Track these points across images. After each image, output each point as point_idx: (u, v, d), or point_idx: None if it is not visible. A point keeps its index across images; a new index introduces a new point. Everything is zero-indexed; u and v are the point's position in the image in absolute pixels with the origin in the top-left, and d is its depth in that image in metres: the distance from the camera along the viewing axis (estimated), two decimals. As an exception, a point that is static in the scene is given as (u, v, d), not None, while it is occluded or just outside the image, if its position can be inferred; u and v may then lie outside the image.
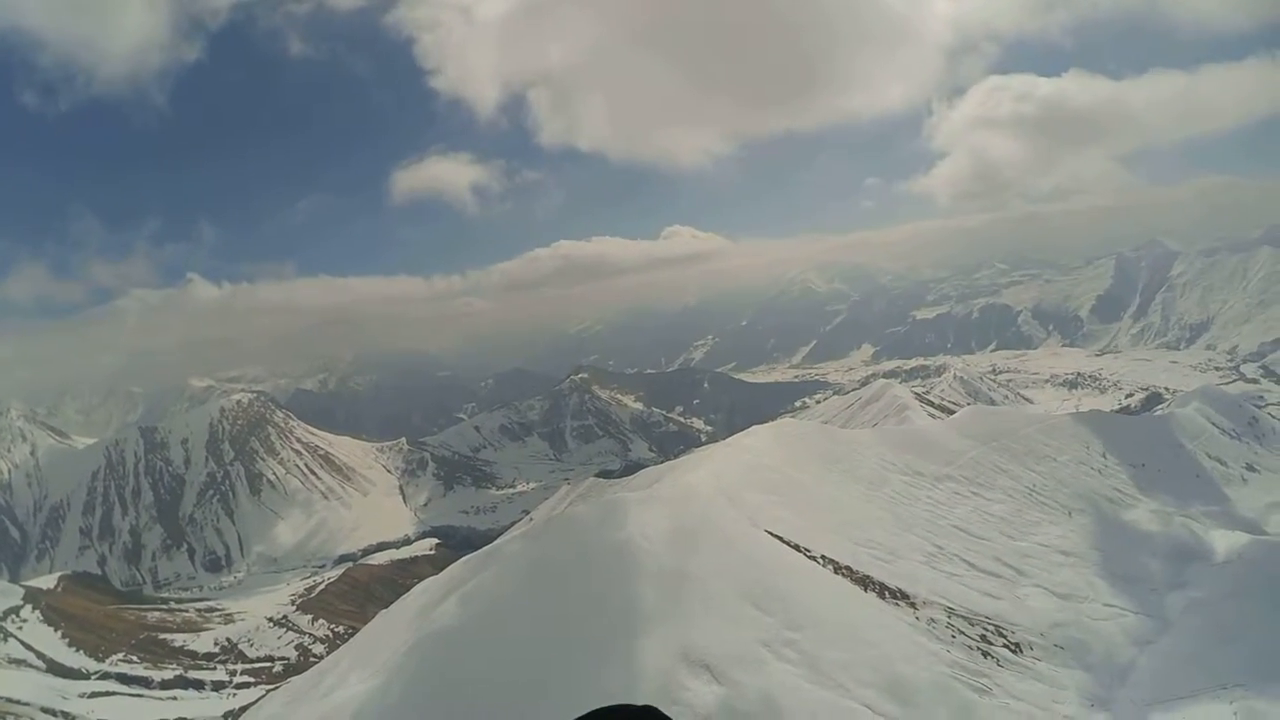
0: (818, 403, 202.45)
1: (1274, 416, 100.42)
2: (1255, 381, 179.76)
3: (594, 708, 3.47)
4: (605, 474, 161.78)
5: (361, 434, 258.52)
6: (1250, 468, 78.93)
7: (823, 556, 38.78)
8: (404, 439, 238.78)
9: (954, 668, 33.29)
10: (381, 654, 30.17)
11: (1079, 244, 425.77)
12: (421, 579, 41.78)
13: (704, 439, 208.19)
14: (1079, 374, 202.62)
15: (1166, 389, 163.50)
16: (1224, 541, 55.68)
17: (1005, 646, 37.28)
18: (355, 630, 43.56)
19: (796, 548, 38.45)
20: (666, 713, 3.23)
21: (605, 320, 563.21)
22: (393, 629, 33.92)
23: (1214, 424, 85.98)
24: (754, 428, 62.56)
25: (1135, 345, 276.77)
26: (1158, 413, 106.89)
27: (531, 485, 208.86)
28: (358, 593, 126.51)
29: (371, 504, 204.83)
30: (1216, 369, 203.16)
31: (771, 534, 38.61)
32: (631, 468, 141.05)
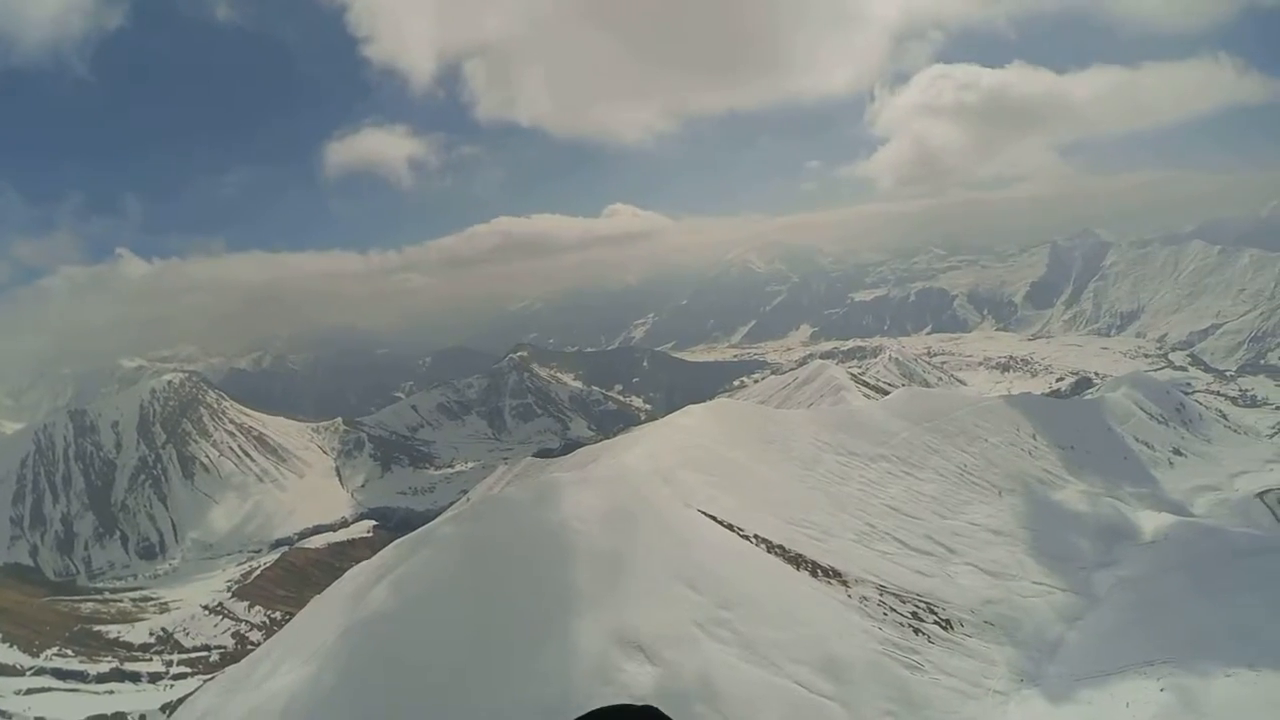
0: (756, 382, 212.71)
1: (1201, 403, 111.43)
2: (1183, 369, 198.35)
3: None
4: (544, 453, 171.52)
5: (298, 414, 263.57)
6: (1177, 452, 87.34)
7: (756, 536, 41.01)
8: (340, 419, 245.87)
9: (886, 645, 36.16)
10: (314, 642, 30.91)
11: (1015, 232, 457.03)
12: (359, 562, 42.56)
13: (643, 418, 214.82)
14: (1012, 358, 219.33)
15: (1096, 374, 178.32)
16: (1151, 522, 62.09)
17: (936, 623, 40.66)
18: (292, 617, 43.80)
19: (730, 527, 40.48)
20: (621, 700, 3.69)
21: (546, 298, 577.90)
22: (325, 615, 34.66)
23: (1142, 409, 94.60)
24: (689, 407, 64.89)
25: (1067, 331, 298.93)
26: (1088, 397, 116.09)
27: (470, 465, 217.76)
28: (294, 578, 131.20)
29: (308, 486, 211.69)
30: (1146, 356, 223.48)
31: (705, 514, 40.51)
32: (570, 446, 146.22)
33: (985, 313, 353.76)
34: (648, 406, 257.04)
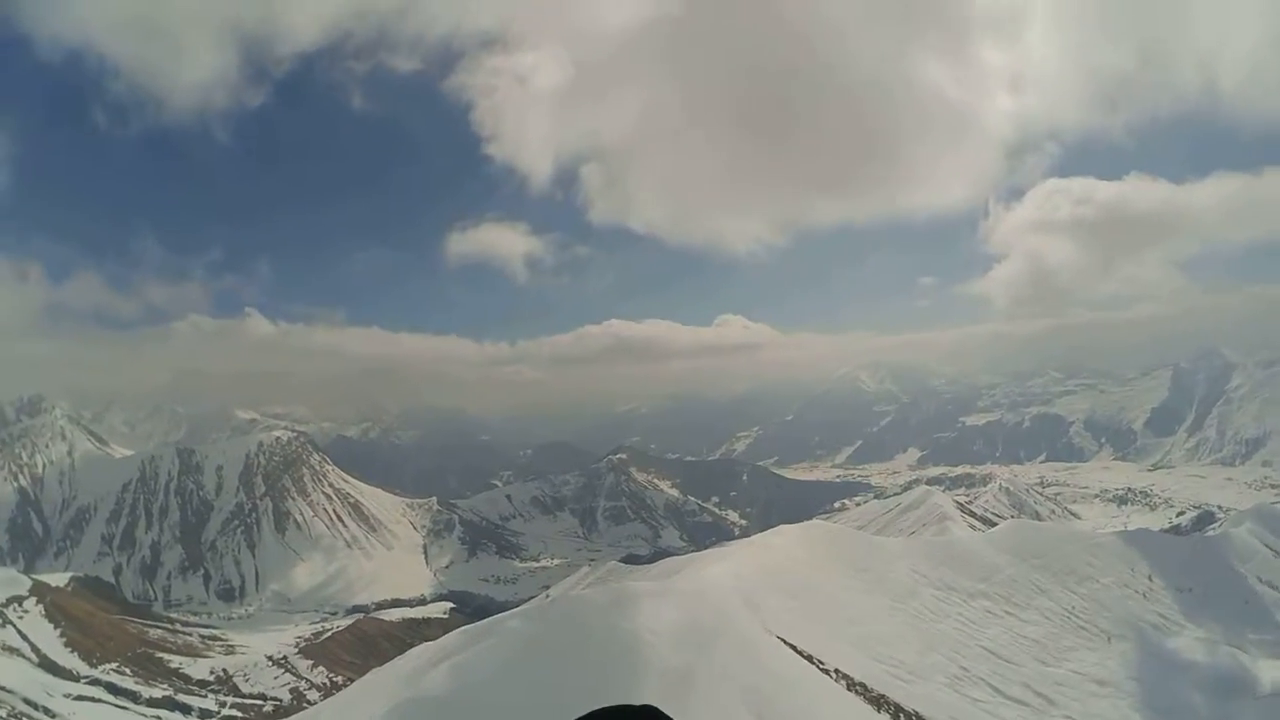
0: (857, 505, 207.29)
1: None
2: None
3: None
4: (631, 558, 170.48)
5: (395, 488, 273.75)
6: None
7: (836, 670, 40.14)
8: (435, 498, 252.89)
9: (973, 800, 35.25)
10: (363, 713, 31.32)
11: (1136, 354, 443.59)
12: (429, 641, 44.01)
13: (737, 533, 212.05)
14: (1129, 489, 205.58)
15: (1220, 507, 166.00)
16: (1273, 673, 56.76)
17: (1030, 779, 39.26)
18: (352, 683, 45.82)
19: (809, 658, 39.79)
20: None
21: (651, 402, 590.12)
22: (379, 688, 35.01)
23: (1268, 546, 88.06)
24: (782, 527, 65.02)
25: (1189, 460, 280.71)
26: (1209, 533, 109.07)
27: (556, 561, 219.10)
28: (363, 646, 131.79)
29: (393, 559, 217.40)
30: (1273, 487, 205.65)
31: (784, 641, 40.06)
32: (660, 555, 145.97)
33: (1103, 441, 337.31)
34: (743, 521, 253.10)
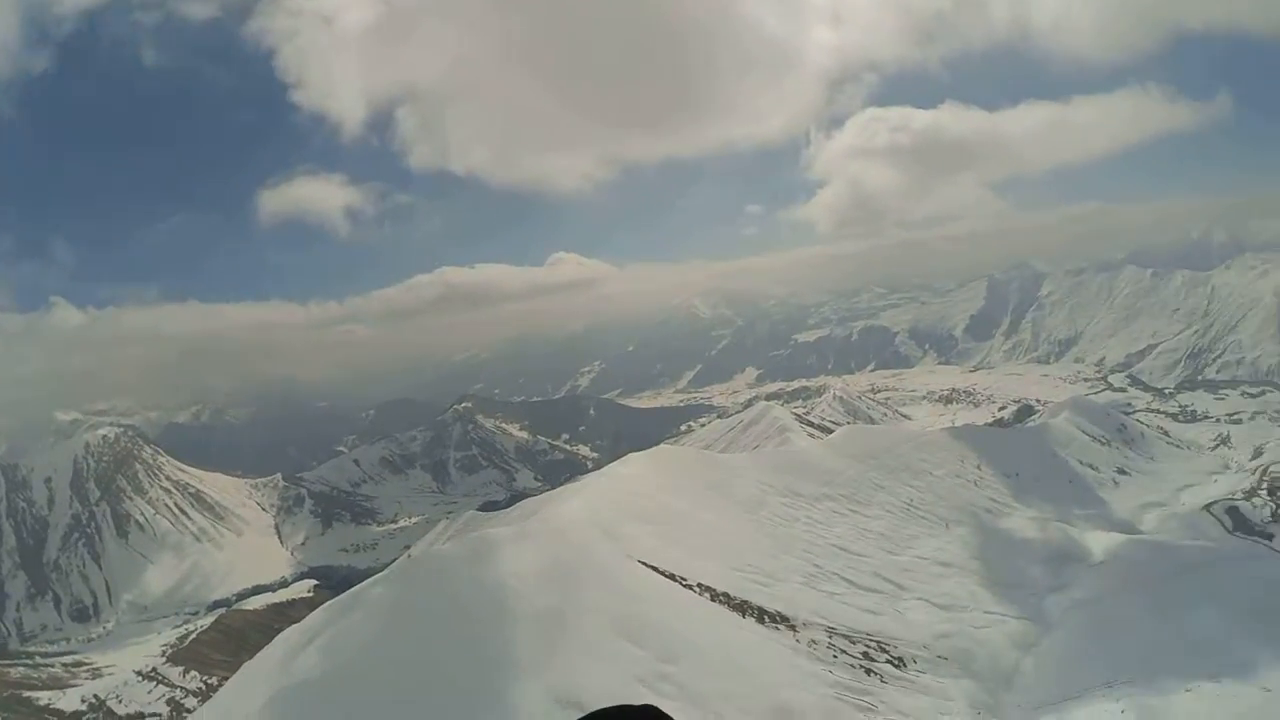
0: (702, 426, 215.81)
1: (1142, 422, 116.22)
2: (1123, 390, 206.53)
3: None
4: (489, 505, 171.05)
5: (236, 470, 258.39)
6: (1122, 471, 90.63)
7: (699, 585, 40.93)
8: (279, 474, 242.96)
9: (837, 688, 36.19)
10: (242, 712, 30.13)
11: (953, 268, 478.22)
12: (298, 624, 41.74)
13: (590, 466, 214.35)
14: (954, 390, 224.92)
15: (1038, 401, 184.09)
16: (1100, 543, 64.33)
17: (889, 662, 40.90)
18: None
19: (672, 578, 40.26)
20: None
21: (491, 348, 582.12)
22: (254, 683, 33.80)
23: (1085, 432, 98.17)
24: (630, 455, 65.08)
25: (1007, 361, 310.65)
26: (1030, 424, 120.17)
27: (414, 520, 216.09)
28: (231, 641, 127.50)
29: (247, 545, 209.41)
30: (1085, 380, 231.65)
31: (647, 565, 40.29)
32: (516, 498, 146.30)
33: (927, 348, 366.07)
34: (595, 455, 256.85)
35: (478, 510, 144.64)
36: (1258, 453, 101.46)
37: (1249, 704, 38.20)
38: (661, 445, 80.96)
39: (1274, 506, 75.79)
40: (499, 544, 38.82)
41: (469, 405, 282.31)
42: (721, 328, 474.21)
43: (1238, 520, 73.12)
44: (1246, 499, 78.36)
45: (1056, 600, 53.00)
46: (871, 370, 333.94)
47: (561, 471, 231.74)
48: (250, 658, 41.71)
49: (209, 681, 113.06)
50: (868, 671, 38.65)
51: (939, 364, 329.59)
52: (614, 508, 47.73)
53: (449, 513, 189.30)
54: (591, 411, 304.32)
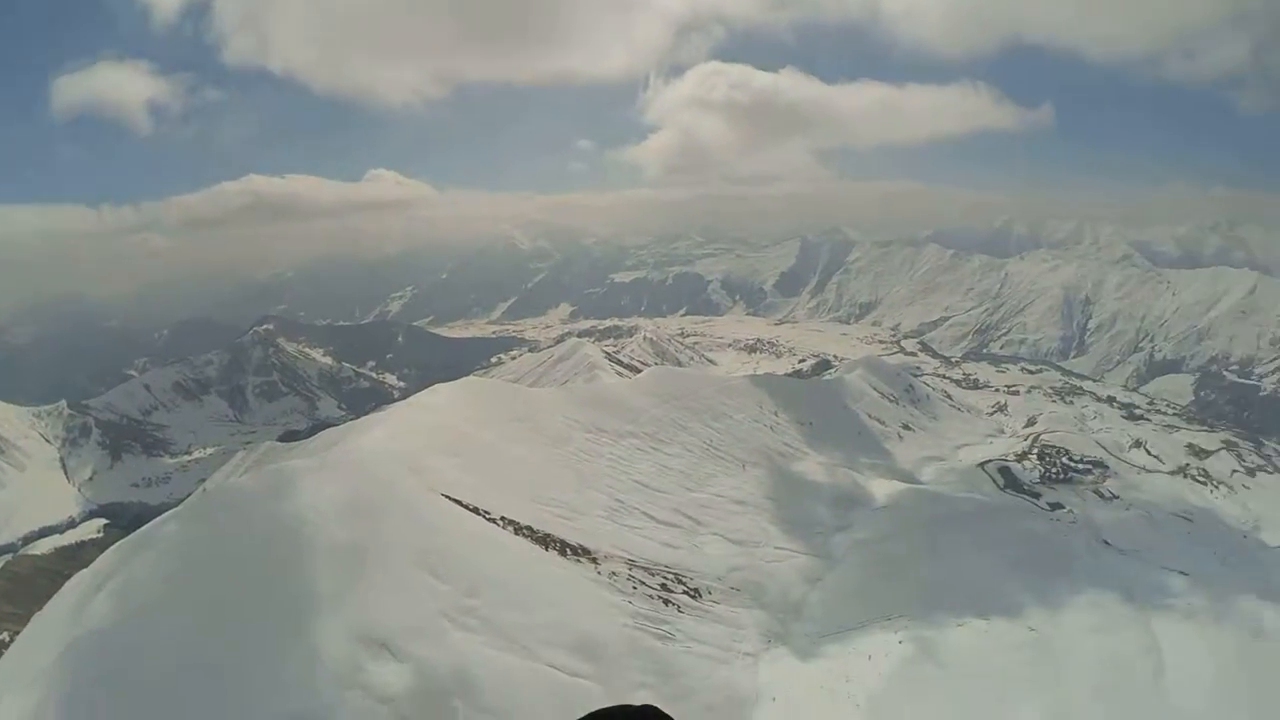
0: (513, 359, 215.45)
1: (928, 385, 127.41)
2: (914, 355, 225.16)
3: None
4: (290, 435, 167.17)
5: (18, 398, 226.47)
6: (906, 427, 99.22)
7: (503, 518, 41.23)
8: (64, 402, 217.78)
9: (637, 619, 37.92)
10: (35, 666, 28.13)
11: (770, 226, 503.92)
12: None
13: (397, 396, 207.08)
14: (759, 340, 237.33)
15: (835, 357, 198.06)
16: (883, 490, 70.47)
17: (686, 593, 43.28)
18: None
19: (476, 511, 40.34)
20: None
21: (297, 266, 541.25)
22: (46, 634, 31.96)
23: (875, 389, 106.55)
24: (437, 386, 63.80)
25: (811, 318, 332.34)
26: (827, 378, 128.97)
27: (209, 450, 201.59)
28: (20, 590, 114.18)
29: (30, 481, 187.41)
30: (880, 342, 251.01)
31: (450, 498, 40.15)
32: (318, 427, 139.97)
33: (737, 298, 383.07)
34: (402, 384, 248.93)
35: (277, 441, 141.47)
36: (1031, 422, 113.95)
37: (1015, 640, 44.00)
38: (470, 377, 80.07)
39: (1042, 470, 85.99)
40: (298, 477, 37.67)
41: (270, 327, 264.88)
42: (539, 261, 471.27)
43: (1009, 479, 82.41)
44: (1018, 461, 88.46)
45: (842, 539, 58.04)
46: (683, 315, 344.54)
47: (366, 401, 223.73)
48: (41, 607, 38.67)
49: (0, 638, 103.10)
50: (666, 602, 40.66)
51: (747, 314, 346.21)
52: (418, 439, 47.07)
53: (247, 443, 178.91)
54: (400, 339, 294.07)
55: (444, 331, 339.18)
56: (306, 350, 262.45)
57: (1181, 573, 57.43)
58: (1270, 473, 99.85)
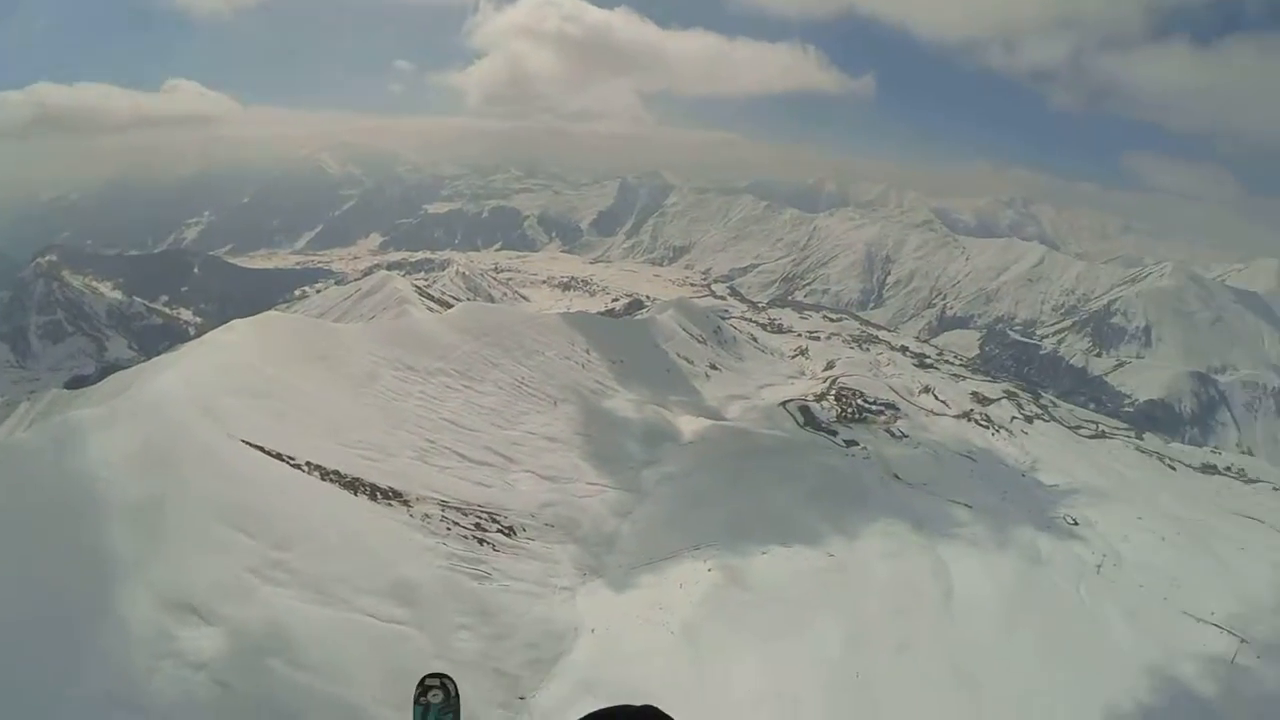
0: (318, 292, 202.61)
1: (735, 328, 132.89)
2: (723, 299, 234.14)
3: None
4: (78, 380, 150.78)
5: None
6: (714, 367, 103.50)
7: (308, 463, 39.76)
8: None
9: (452, 560, 37.97)
10: None
11: (590, 164, 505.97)
12: None
13: (193, 332, 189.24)
14: (573, 278, 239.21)
15: (648, 297, 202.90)
16: (690, 426, 73.73)
17: (500, 532, 43.72)
18: None
19: (279, 457, 38.68)
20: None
21: (84, 188, 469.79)
22: None
23: (685, 329, 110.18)
24: (234, 322, 59.38)
25: (625, 258, 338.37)
26: (638, 317, 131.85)
27: None
28: None
29: None
30: (691, 285, 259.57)
31: (251, 444, 38.22)
32: (109, 369, 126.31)
33: (553, 235, 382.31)
34: (198, 320, 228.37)
35: (64, 387, 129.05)
36: (830, 365, 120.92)
37: (815, 565, 47.85)
38: (271, 312, 75.27)
39: (839, 410, 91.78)
40: (86, 428, 34.78)
41: (54, 258, 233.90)
42: (349, 188, 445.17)
43: (808, 417, 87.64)
44: (817, 401, 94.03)
45: (651, 473, 60.44)
46: (497, 250, 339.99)
47: (160, 338, 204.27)
48: None
49: None
50: (480, 542, 40.95)
51: (562, 252, 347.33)
52: (215, 382, 44.04)
53: (31, 391, 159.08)
54: (197, 270, 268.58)
55: (244, 262, 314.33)
56: (94, 284, 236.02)
57: (966, 505, 64.29)
58: (1046, 421, 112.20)
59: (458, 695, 4.40)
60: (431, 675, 4.44)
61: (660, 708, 3.77)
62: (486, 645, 33.39)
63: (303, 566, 30.57)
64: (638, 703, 3.82)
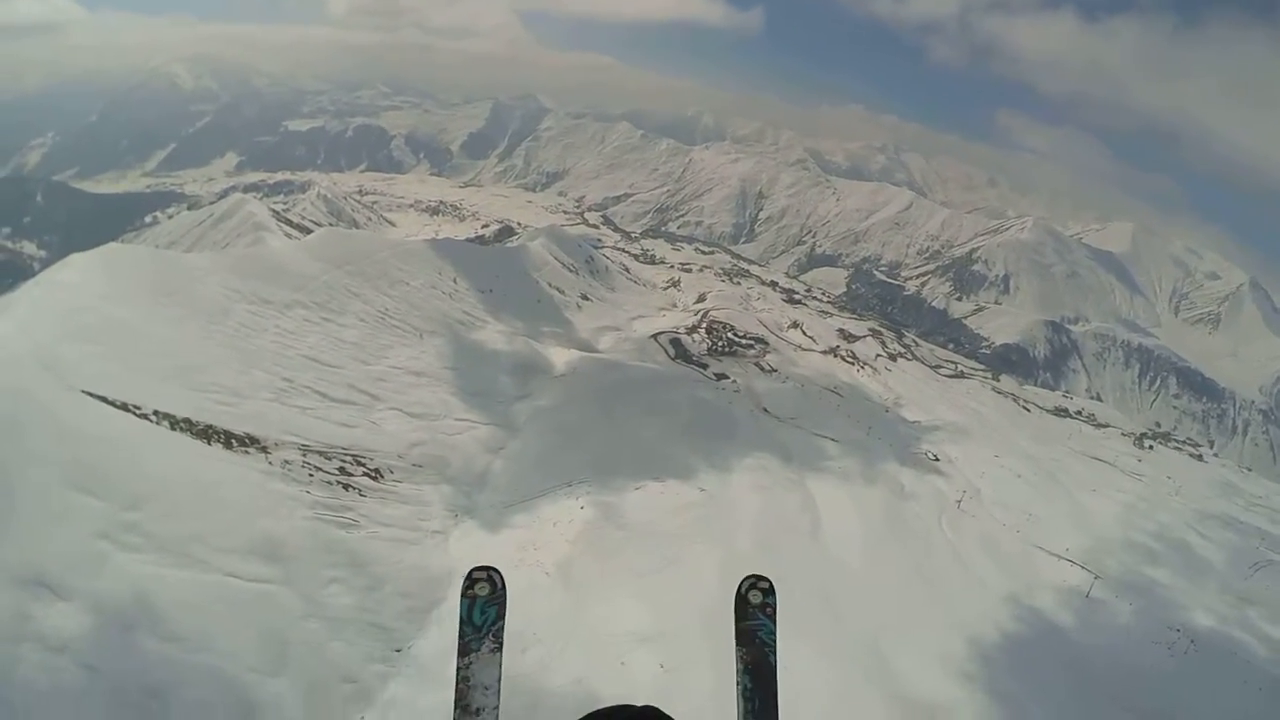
0: (170, 218, 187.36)
1: (608, 258, 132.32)
2: (596, 227, 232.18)
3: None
4: None
5: None
6: (585, 297, 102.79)
7: (156, 412, 36.90)
8: None
9: (317, 509, 36.18)
10: None
11: (462, 83, 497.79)
12: None
13: (38, 267, 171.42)
14: (442, 202, 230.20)
15: (519, 224, 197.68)
16: (562, 358, 73.34)
17: (366, 475, 42.07)
18: None
19: (125, 407, 35.69)
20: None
21: None
22: None
23: (556, 258, 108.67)
24: (72, 257, 53.72)
25: (497, 183, 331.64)
26: (509, 244, 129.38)
27: None
28: None
29: None
30: (565, 213, 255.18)
31: (94, 395, 35.05)
32: None
33: (422, 156, 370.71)
34: (43, 254, 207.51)
35: None
36: (701, 299, 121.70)
37: (688, 499, 48.38)
38: (110, 245, 68.82)
39: (709, 343, 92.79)
40: None
41: None
42: (204, 103, 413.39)
43: (679, 350, 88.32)
44: (688, 334, 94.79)
45: (523, 407, 59.82)
46: (362, 171, 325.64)
47: (2, 278, 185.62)
48: None
49: None
50: (346, 487, 39.35)
51: (431, 175, 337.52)
52: (51, 327, 39.89)
53: None
54: (39, 198, 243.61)
55: (91, 186, 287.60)
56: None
57: (833, 439, 66.60)
58: (909, 359, 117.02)
59: (504, 588, 4.44)
60: (479, 568, 4.47)
61: (660, 708, 3.74)
62: (359, 598, 32.31)
63: (156, 528, 28.57)
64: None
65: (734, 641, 4.72)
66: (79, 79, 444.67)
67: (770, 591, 4.84)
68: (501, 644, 4.46)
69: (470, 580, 4.49)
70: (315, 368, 51.38)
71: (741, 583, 4.86)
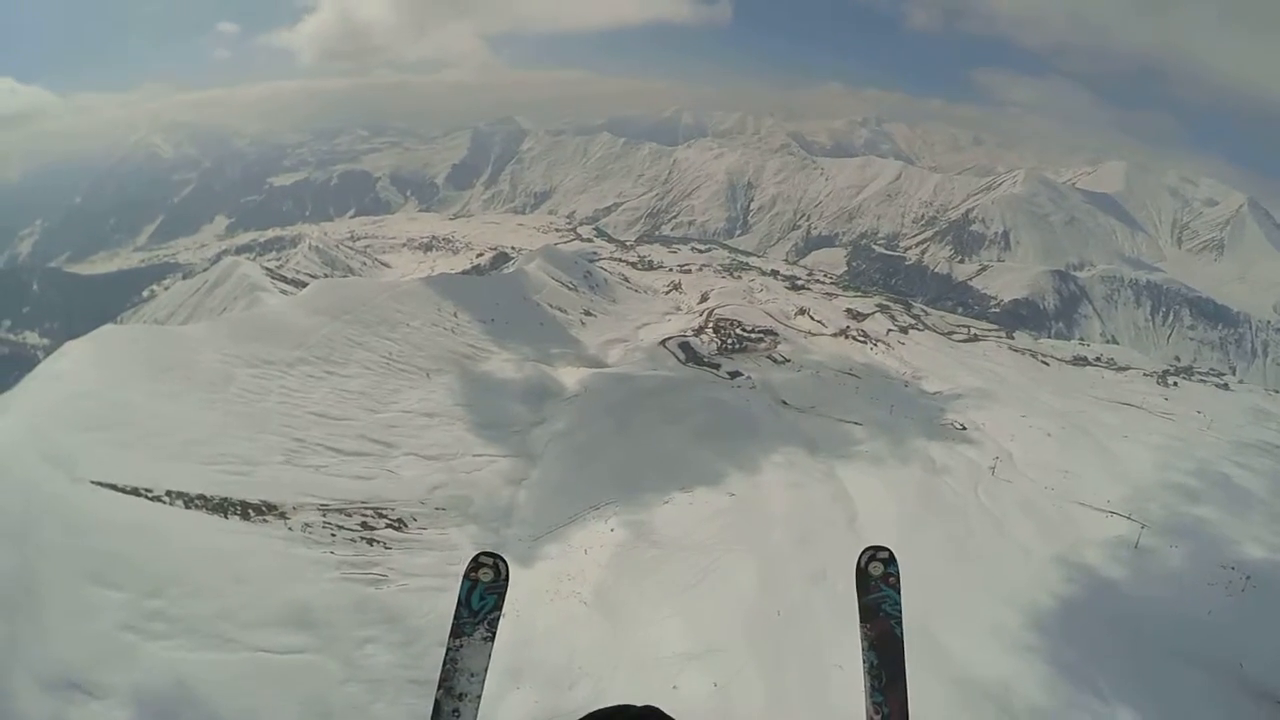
0: (167, 290, 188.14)
1: (605, 270, 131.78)
2: (590, 241, 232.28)
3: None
4: None
5: None
6: (588, 313, 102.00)
7: (169, 493, 36.24)
8: None
9: (343, 569, 35.41)
10: None
11: (439, 115, 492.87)
12: None
13: (42, 355, 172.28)
14: (434, 237, 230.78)
15: (513, 248, 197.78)
16: (573, 377, 72.35)
17: (389, 526, 41.30)
18: None
19: (135, 492, 35.04)
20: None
21: None
22: None
23: (554, 278, 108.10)
24: (67, 346, 53.32)
25: (486, 210, 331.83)
26: (505, 271, 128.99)
27: None
28: None
29: None
30: (557, 230, 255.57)
31: (104, 484, 34.42)
32: None
33: (408, 194, 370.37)
34: (46, 341, 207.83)
35: None
36: (704, 298, 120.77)
37: (718, 506, 47.34)
38: (104, 327, 68.46)
39: (719, 342, 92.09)
40: None
41: None
42: (186, 170, 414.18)
43: (689, 353, 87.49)
44: (695, 335, 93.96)
45: (540, 433, 58.96)
46: (351, 217, 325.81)
47: (7, 371, 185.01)
48: None
49: None
50: (370, 542, 38.65)
51: (420, 211, 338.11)
52: (53, 419, 39.48)
53: None
54: (35, 287, 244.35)
55: (86, 268, 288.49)
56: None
57: (856, 423, 65.49)
58: (920, 330, 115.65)
59: (507, 578, 4.55)
60: (485, 554, 4.65)
61: (660, 708, 3.80)
62: (397, 655, 31.59)
63: (181, 611, 28.06)
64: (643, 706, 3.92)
65: (857, 619, 4.73)
66: (59, 163, 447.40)
67: (891, 561, 4.88)
68: (494, 634, 4.49)
69: (475, 563, 4.64)
70: (325, 423, 50.81)
71: (860, 556, 4.89)
